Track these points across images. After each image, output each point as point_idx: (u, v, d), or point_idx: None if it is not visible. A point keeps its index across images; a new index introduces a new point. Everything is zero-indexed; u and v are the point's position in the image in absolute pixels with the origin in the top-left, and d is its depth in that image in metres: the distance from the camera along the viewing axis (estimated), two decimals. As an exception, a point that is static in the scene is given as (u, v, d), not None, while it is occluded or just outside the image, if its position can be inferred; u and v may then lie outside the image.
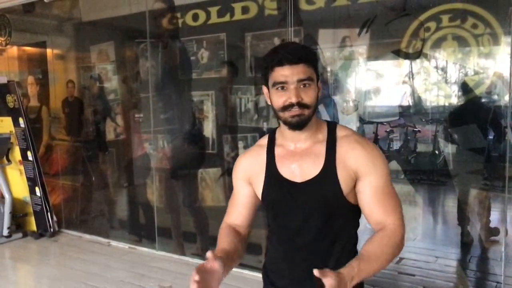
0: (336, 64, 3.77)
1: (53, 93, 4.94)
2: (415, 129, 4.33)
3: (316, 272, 1.06)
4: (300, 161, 1.32)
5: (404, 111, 4.07)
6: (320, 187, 1.29)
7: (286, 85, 1.24)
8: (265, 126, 3.75)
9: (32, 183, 4.43)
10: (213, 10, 3.75)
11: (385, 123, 4.30)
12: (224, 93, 3.90)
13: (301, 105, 1.24)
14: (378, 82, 3.90)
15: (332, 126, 1.36)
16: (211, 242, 3.70)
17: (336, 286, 1.05)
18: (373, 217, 1.28)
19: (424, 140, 4.40)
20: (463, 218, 3.42)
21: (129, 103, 4.57)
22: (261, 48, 3.72)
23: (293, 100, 1.23)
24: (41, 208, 4.40)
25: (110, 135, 4.69)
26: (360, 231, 1.41)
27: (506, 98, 2.81)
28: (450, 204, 3.95)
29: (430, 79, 3.63)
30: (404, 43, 3.18)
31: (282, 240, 1.40)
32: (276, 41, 3.64)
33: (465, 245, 3.39)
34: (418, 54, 3.16)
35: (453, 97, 3.60)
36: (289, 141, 1.35)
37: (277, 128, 1.42)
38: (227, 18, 3.70)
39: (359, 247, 1.30)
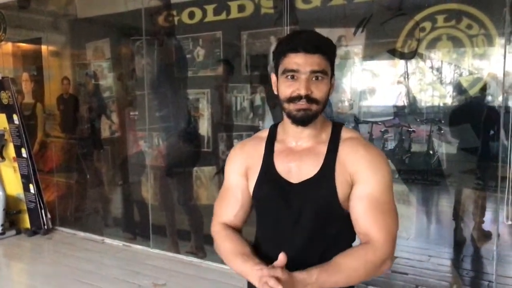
0: (332, 63, 3.77)
1: (48, 90, 4.92)
2: (409, 129, 4.36)
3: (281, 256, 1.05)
4: (299, 160, 1.22)
5: (399, 111, 4.09)
6: (315, 191, 1.18)
7: (297, 74, 1.13)
8: (260, 124, 3.75)
9: (26, 180, 4.41)
10: (209, 8, 3.75)
11: (380, 123, 4.32)
12: (220, 91, 3.90)
13: (309, 99, 1.13)
14: (373, 81, 3.92)
15: (337, 127, 1.26)
16: (206, 240, 3.70)
17: (282, 284, 1.01)
18: (360, 227, 1.16)
19: (419, 140, 4.42)
20: (456, 216, 3.44)
21: (124, 101, 4.55)
22: (257, 47, 3.72)
23: (302, 92, 1.13)
24: (35, 205, 4.38)
25: (105, 133, 4.68)
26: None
27: (500, 98, 2.83)
28: (444, 204, 3.98)
29: (425, 79, 3.65)
30: (400, 43, 3.20)
31: (269, 244, 1.26)
32: (273, 40, 3.64)
33: (458, 243, 3.42)
34: (413, 54, 3.18)
35: (447, 98, 3.63)
36: (291, 138, 1.25)
37: (279, 122, 1.33)
38: (223, 16, 3.70)
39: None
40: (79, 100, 4.75)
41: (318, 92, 1.15)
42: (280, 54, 1.17)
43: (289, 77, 1.15)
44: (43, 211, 4.37)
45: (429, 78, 3.62)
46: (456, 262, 3.40)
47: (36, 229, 4.43)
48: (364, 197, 1.15)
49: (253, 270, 1.13)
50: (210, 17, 3.77)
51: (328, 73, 1.16)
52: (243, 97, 3.87)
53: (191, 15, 3.85)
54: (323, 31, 3.78)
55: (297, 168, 1.21)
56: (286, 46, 1.15)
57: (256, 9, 3.58)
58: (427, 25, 3.09)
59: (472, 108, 3.22)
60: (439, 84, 3.58)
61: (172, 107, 4.12)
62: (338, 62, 3.94)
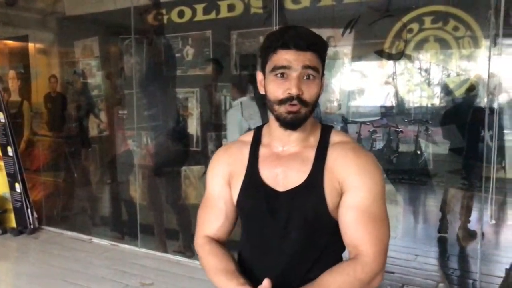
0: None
1: (35, 88, 4.87)
2: (397, 129, 4.40)
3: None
4: (285, 166, 1.13)
5: (387, 112, 4.13)
6: (303, 199, 1.09)
7: (288, 71, 1.05)
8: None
9: (12, 179, 4.35)
10: (199, 7, 3.75)
11: (368, 123, 4.36)
12: (209, 90, 3.90)
13: (300, 100, 1.05)
14: (361, 82, 3.95)
15: (326, 130, 1.17)
16: (194, 239, 3.69)
17: None
18: (349, 239, 1.08)
19: (406, 140, 4.47)
20: (443, 216, 3.49)
21: (113, 99, 4.53)
22: (247, 46, 3.73)
23: (293, 91, 1.04)
24: (21, 204, 4.33)
25: (93, 131, 4.65)
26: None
27: (485, 100, 2.88)
28: (430, 203, 4.03)
29: (413, 80, 3.69)
30: (387, 44, 3.23)
31: (253, 259, 1.19)
32: (262, 40, 3.65)
33: (444, 243, 3.47)
34: (400, 55, 3.21)
35: (434, 98, 3.67)
36: (277, 142, 1.16)
37: (264, 124, 1.24)
38: (213, 15, 3.70)
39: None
40: (67, 98, 4.71)
41: (308, 93, 1.06)
42: (268, 50, 1.08)
43: (278, 75, 1.06)
44: (29, 210, 4.33)
45: (416, 79, 3.66)
46: (442, 261, 3.44)
47: (22, 229, 4.38)
48: (354, 206, 1.07)
49: None
50: (199, 16, 3.76)
51: (319, 71, 1.08)
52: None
53: (181, 14, 3.84)
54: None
55: (284, 175, 1.12)
56: (276, 42, 1.06)
57: (245, 9, 3.58)
58: (415, 26, 3.13)
59: (458, 109, 3.27)
60: (426, 85, 3.63)
61: (161, 106, 4.11)
62: (327, 62, 3.98)
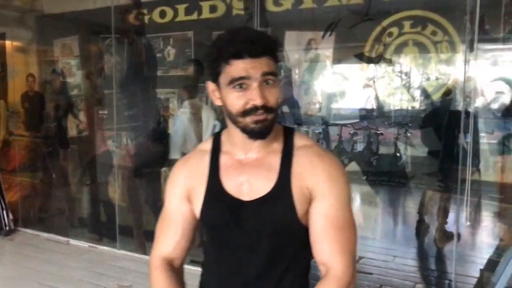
0: (301, 66, 3.82)
1: (12, 86, 4.77)
2: (377, 132, 4.46)
3: None
4: (249, 175, 1.07)
5: (367, 114, 4.18)
6: (271, 208, 1.05)
7: (247, 81, 0.98)
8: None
9: (-13, 179, 4.26)
10: (181, 7, 3.74)
11: (349, 125, 4.40)
12: (190, 91, 3.88)
13: (266, 108, 0.99)
14: (342, 85, 3.99)
15: (289, 133, 1.12)
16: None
17: None
18: (319, 255, 1.06)
19: (386, 142, 4.53)
20: (421, 218, 3.54)
21: (92, 99, 4.47)
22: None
23: (258, 102, 0.98)
24: (-3, 205, 4.24)
25: (72, 131, 4.58)
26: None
27: (461, 103, 2.93)
28: (409, 205, 4.08)
29: (393, 83, 3.74)
30: (367, 47, 3.27)
31: (220, 273, 1.14)
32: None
33: (422, 244, 3.52)
34: (379, 59, 3.25)
35: (413, 102, 3.73)
36: (239, 149, 1.09)
37: (222, 130, 1.16)
38: (194, 16, 3.69)
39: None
40: (45, 97, 4.63)
41: (272, 99, 1.01)
42: (220, 61, 1.00)
43: (237, 86, 0.99)
44: (4, 211, 4.23)
45: (396, 83, 3.72)
46: (420, 262, 3.50)
47: (-2, 230, 4.29)
48: (323, 214, 1.04)
49: None
50: (181, 16, 3.75)
51: (277, 75, 1.03)
52: (213, 98, 3.85)
53: (162, 14, 3.82)
54: (294, 34, 3.84)
55: (248, 183, 1.07)
56: (228, 52, 0.98)
57: (227, 10, 3.59)
58: (394, 30, 3.18)
59: (435, 113, 3.32)
60: (405, 88, 3.68)
61: (141, 106, 4.07)
62: (308, 65, 4.01)
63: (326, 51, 3.59)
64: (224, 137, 1.14)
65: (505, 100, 3.24)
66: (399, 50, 3.28)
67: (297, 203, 1.04)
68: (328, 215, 1.04)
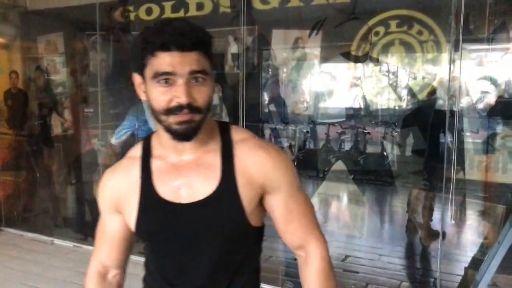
0: (288, 64, 3.82)
1: (-5, 84, 4.69)
2: (365, 131, 4.48)
3: None
4: (187, 177, 0.99)
5: (354, 113, 4.20)
6: (217, 209, 0.98)
7: (173, 77, 0.89)
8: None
9: (-31, 178, 4.19)
10: (167, 5, 3.71)
11: (336, 124, 4.41)
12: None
13: (192, 108, 0.91)
14: (330, 84, 4.00)
15: (225, 128, 1.05)
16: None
17: None
18: (292, 243, 1.06)
19: (373, 141, 4.55)
20: (407, 216, 3.57)
21: (77, 97, 4.42)
22: (215, 46, 3.69)
23: (182, 100, 0.89)
24: (-21, 205, 4.17)
25: (56, 130, 4.52)
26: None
27: (446, 103, 2.95)
28: (396, 204, 4.11)
29: (380, 83, 3.76)
30: (354, 46, 3.27)
31: (163, 285, 1.07)
32: (231, 39, 3.64)
33: (408, 243, 3.54)
34: (366, 58, 3.26)
35: (399, 101, 3.75)
36: (171, 152, 1.01)
37: (152, 133, 1.08)
38: (181, 13, 3.66)
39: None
40: (28, 95, 4.56)
41: (201, 98, 0.92)
42: (145, 52, 0.91)
43: (162, 81, 0.90)
44: (-13, 211, 4.17)
45: (383, 82, 3.73)
46: (405, 260, 3.52)
47: (-20, 230, 4.22)
48: (282, 205, 1.02)
49: None
50: (168, 14, 3.72)
51: (209, 73, 0.94)
52: (200, 96, 3.84)
53: (149, 12, 3.79)
54: (281, 32, 3.83)
55: (187, 186, 0.99)
56: (154, 43, 0.89)
57: (214, 8, 3.56)
58: (381, 29, 3.18)
59: (421, 112, 3.34)
60: (392, 87, 3.70)
61: (127, 104, 4.03)
62: (295, 64, 4.01)
63: (313, 49, 3.58)
64: (154, 141, 1.05)
65: (490, 99, 3.27)
66: (385, 49, 3.29)
67: (244, 201, 0.98)
68: (287, 204, 1.02)
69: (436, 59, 3.27)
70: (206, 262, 1.01)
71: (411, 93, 3.41)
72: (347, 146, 4.69)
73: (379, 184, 4.12)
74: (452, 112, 2.77)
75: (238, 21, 3.31)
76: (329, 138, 4.45)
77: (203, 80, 0.92)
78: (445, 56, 3.08)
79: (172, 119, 0.92)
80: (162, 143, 1.02)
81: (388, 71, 3.66)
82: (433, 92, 3.27)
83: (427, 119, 3.18)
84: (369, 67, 3.62)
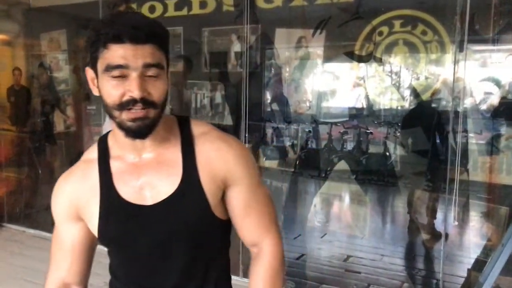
0: (291, 64, 3.81)
1: (-2, 80, 4.70)
2: (367, 131, 4.46)
3: None
4: (149, 176, 0.96)
5: (357, 113, 4.18)
6: (183, 206, 0.95)
7: (126, 70, 0.86)
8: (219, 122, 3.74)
9: (-28, 174, 4.20)
10: (171, 3, 3.70)
11: (339, 124, 4.40)
12: (179, 88, 3.85)
13: (146, 102, 0.87)
14: (333, 83, 3.98)
15: (184, 123, 1.01)
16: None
17: None
18: (248, 238, 1.04)
19: (376, 142, 4.53)
20: (410, 217, 3.55)
21: (80, 94, 4.42)
22: (218, 44, 3.70)
23: (136, 94, 0.86)
24: (-18, 201, 4.18)
25: (59, 127, 4.53)
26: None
27: (450, 103, 2.94)
28: (398, 205, 4.10)
29: (383, 82, 3.74)
30: (358, 46, 3.25)
31: None
32: (234, 38, 3.63)
33: (410, 243, 3.53)
34: (369, 57, 3.25)
35: (403, 101, 3.73)
36: (130, 151, 0.97)
37: (108, 133, 1.02)
38: (184, 12, 3.65)
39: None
40: (31, 92, 4.57)
41: (156, 93, 0.88)
42: (97, 44, 0.87)
43: (114, 74, 0.86)
44: (-11, 207, 4.18)
45: (386, 82, 3.71)
46: (407, 261, 3.51)
47: (-18, 226, 4.23)
48: (241, 199, 1.00)
49: None
50: (171, 12, 3.71)
51: (164, 67, 0.91)
52: (203, 95, 3.84)
53: (152, 9, 3.78)
54: (284, 31, 3.82)
55: (150, 186, 0.96)
56: (106, 35, 0.85)
57: (217, 6, 3.55)
58: (384, 29, 3.17)
59: (424, 112, 3.32)
60: (395, 87, 3.68)
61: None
62: (298, 62, 4.00)
63: (316, 49, 3.57)
64: (110, 141, 1.01)
65: (493, 100, 3.26)
66: (389, 49, 3.28)
67: (208, 195, 0.96)
68: (246, 198, 1.00)
69: (440, 60, 3.25)
70: (177, 261, 0.98)
71: (415, 93, 3.39)
72: (349, 146, 4.67)
73: (381, 184, 4.11)
74: (456, 113, 2.76)
75: (241, 19, 3.30)
76: (332, 137, 4.43)
77: (158, 75, 0.89)
78: (449, 57, 3.06)
79: (125, 115, 0.88)
80: (119, 142, 0.97)
81: (391, 71, 3.65)
82: (436, 92, 3.25)
83: (431, 120, 3.17)
84: (372, 67, 3.60)
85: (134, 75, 0.86)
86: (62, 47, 4.41)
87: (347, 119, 4.28)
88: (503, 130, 3.22)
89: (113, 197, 0.97)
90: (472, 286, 2.45)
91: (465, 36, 2.62)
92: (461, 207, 3.12)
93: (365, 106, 4.01)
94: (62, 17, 4.41)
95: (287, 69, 3.93)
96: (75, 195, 1.00)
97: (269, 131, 3.99)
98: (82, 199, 0.99)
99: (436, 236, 3.29)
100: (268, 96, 4.05)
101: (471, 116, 3.15)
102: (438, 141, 3.20)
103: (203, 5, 3.58)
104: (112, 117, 0.91)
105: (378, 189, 4.16)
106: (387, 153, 4.28)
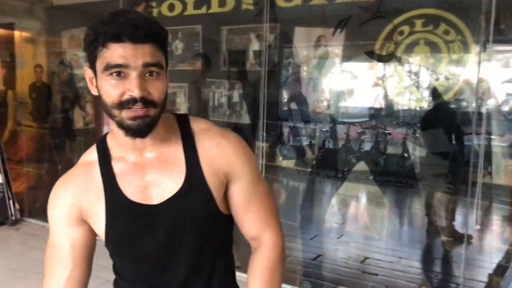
0: (310, 63, 3.78)
1: (20, 77, 4.78)
2: (385, 132, 4.41)
3: None
4: (153, 175, 0.96)
5: (376, 113, 4.13)
6: (188, 204, 0.96)
7: (126, 70, 0.85)
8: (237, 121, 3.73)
9: (-6, 169, 4.28)
10: (190, 1, 3.71)
11: (357, 124, 4.36)
12: (197, 86, 3.86)
13: (146, 101, 0.87)
14: (351, 83, 3.94)
15: (183, 121, 1.02)
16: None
17: None
18: (249, 232, 1.05)
19: (394, 142, 4.47)
20: (428, 219, 3.50)
21: (100, 92, 4.47)
22: (237, 43, 3.69)
23: (136, 93, 0.85)
24: (3, 195, 4.25)
25: (78, 123, 4.59)
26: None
27: (473, 104, 2.88)
28: (416, 207, 4.04)
29: (402, 82, 3.69)
30: (378, 45, 3.21)
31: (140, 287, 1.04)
32: (253, 37, 3.62)
33: (428, 246, 3.47)
34: (390, 57, 3.20)
35: (423, 101, 3.67)
36: (131, 151, 0.97)
37: (106, 134, 1.02)
38: (203, 10, 3.66)
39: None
40: (52, 88, 4.63)
41: (156, 92, 0.88)
42: (96, 44, 0.86)
43: (114, 74, 0.86)
44: (11, 201, 4.25)
45: (406, 82, 3.66)
46: (426, 264, 3.45)
47: (4, 220, 4.30)
48: (242, 194, 1.01)
49: None
50: (190, 10, 3.72)
51: (164, 66, 0.91)
52: (220, 93, 3.84)
53: (171, 8, 3.79)
54: (303, 30, 3.80)
55: (154, 185, 0.96)
56: (105, 34, 0.85)
57: (236, 5, 3.55)
58: (405, 29, 3.12)
59: (446, 113, 3.27)
60: (415, 88, 3.63)
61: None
62: (317, 62, 3.97)
63: (335, 48, 3.54)
64: (110, 142, 1.00)
65: (516, 102, 3.18)
66: (410, 49, 3.23)
67: (213, 190, 0.97)
68: (247, 193, 1.01)
69: (462, 60, 3.19)
70: (184, 258, 0.99)
71: (436, 94, 3.33)
72: (367, 146, 4.62)
73: (400, 186, 4.05)
74: (479, 114, 2.70)
75: (260, 18, 3.29)
76: (349, 137, 4.39)
77: (158, 75, 0.89)
78: (471, 57, 3.00)
79: (125, 114, 0.88)
80: (119, 142, 0.97)
81: (411, 71, 3.59)
82: (459, 93, 3.20)
83: (452, 121, 3.11)
84: (392, 67, 3.56)
85: (133, 74, 0.86)
86: (82, 45, 4.47)
87: (365, 119, 4.24)
88: (527, 132, 3.15)
89: (118, 197, 0.96)
90: (493, 291, 2.40)
91: (490, 36, 2.56)
92: (483, 211, 3.06)
93: (383, 106, 3.97)
94: (83, 15, 4.46)
95: (305, 68, 3.90)
96: (77, 199, 0.98)
97: (285, 130, 3.97)
98: (85, 202, 0.98)
99: (457, 239, 3.23)
100: (286, 95, 4.04)
101: (493, 118, 3.09)
102: (459, 142, 3.14)
103: (222, 3, 3.57)
104: (111, 116, 0.90)
105: (396, 191, 4.10)
106: (406, 154, 4.22)
